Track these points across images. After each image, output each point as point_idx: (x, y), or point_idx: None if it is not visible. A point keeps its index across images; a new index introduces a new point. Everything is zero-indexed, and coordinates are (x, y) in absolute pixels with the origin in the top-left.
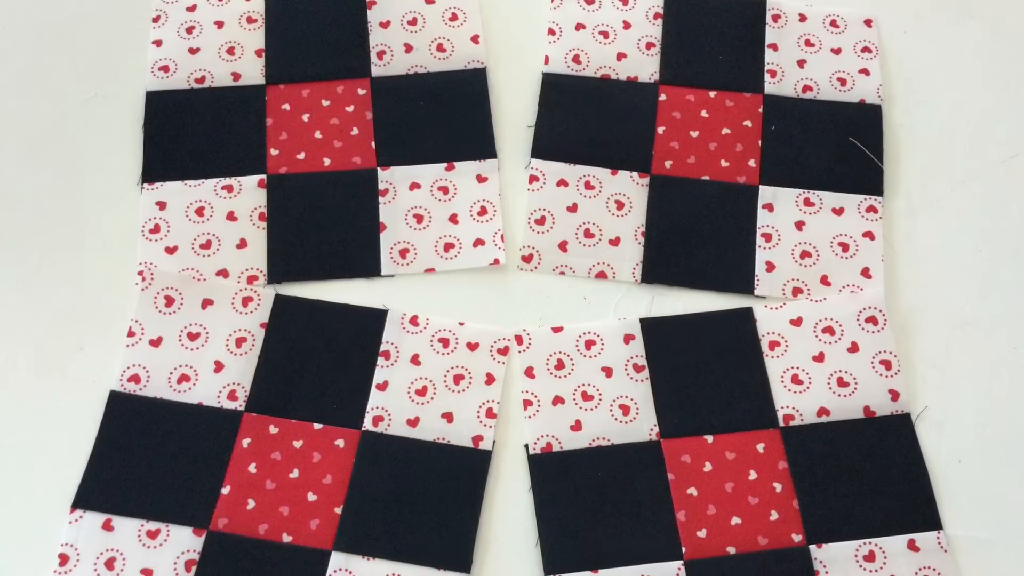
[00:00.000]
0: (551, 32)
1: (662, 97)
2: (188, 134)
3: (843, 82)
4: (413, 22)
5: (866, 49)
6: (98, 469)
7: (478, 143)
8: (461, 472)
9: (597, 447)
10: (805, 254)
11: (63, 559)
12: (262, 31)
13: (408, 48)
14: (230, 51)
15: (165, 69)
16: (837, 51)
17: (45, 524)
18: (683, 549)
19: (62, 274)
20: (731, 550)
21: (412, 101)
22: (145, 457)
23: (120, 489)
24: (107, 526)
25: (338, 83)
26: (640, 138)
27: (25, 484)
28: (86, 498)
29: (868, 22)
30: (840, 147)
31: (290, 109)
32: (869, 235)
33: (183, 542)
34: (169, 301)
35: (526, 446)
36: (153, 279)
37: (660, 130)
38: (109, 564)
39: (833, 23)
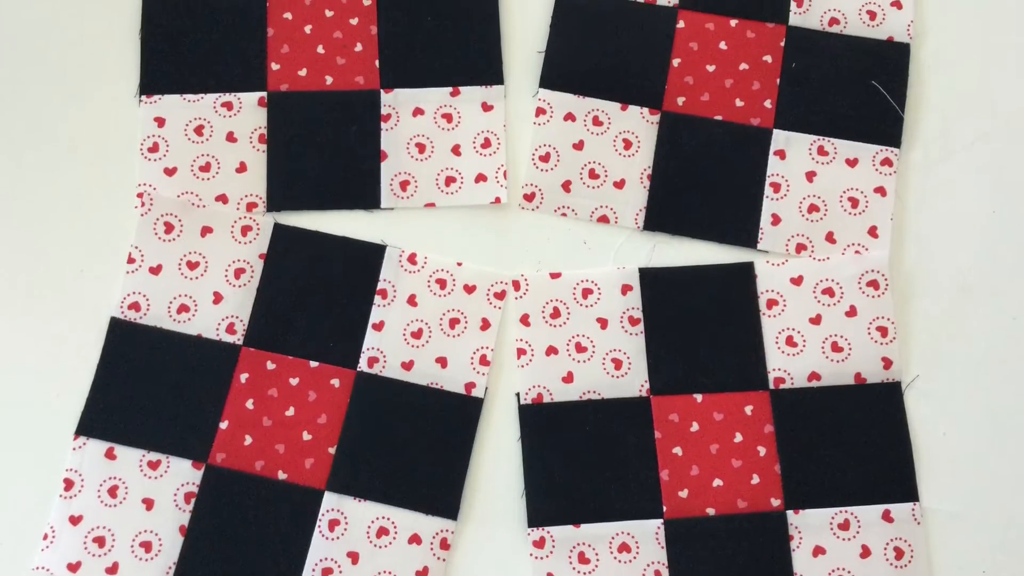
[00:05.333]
0: None
1: (680, 24)
2: (187, 42)
3: (872, 16)
4: None
5: None
6: (100, 396)
7: (485, 67)
8: (453, 419)
9: (587, 400)
10: (813, 208)
11: (68, 484)
12: None
13: None
14: None
15: None
16: None
17: (50, 448)
18: (664, 508)
19: (62, 192)
20: (710, 511)
21: (419, 17)
22: (146, 386)
23: (122, 418)
24: (110, 454)
25: None
26: (654, 70)
27: (29, 407)
28: (89, 425)
29: None
30: (861, 91)
31: (292, 18)
32: (881, 191)
33: (183, 474)
34: (168, 228)
35: (517, 395)
36: (152, 204)
37: (675, 62)
38: (112, 492)
39: None
